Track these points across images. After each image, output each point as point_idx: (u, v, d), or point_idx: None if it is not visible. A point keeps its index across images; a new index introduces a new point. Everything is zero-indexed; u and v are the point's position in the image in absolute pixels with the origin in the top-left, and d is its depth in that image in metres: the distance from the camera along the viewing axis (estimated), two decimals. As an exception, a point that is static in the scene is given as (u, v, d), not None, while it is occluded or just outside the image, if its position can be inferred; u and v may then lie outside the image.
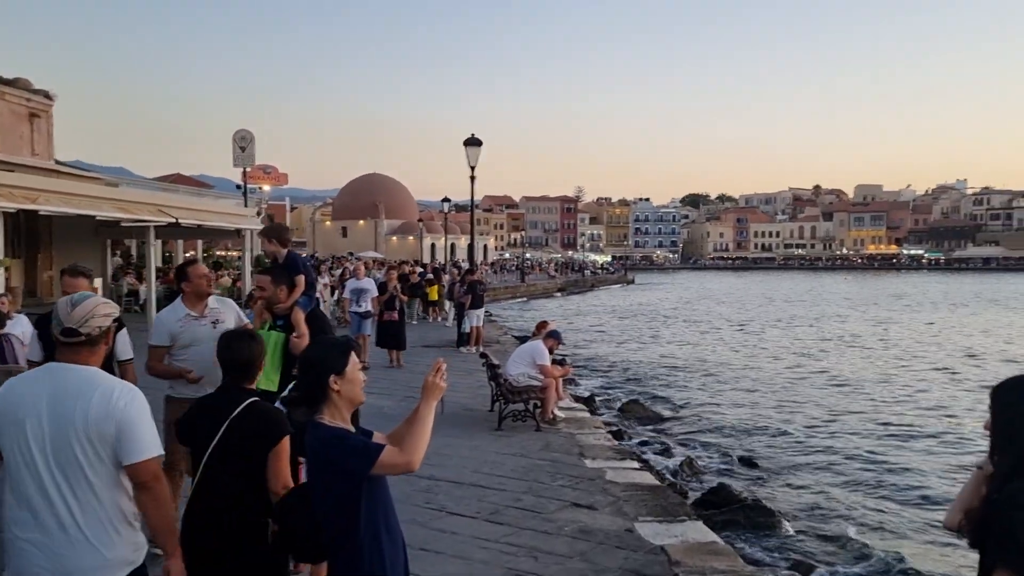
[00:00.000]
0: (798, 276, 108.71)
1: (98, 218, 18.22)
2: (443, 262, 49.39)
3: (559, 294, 62.62)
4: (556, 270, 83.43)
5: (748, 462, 11.73)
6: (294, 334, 5.38)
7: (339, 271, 28.00)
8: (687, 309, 47.77)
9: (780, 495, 10.13)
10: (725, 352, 26.08)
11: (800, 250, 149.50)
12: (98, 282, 13.49)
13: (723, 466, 11.55)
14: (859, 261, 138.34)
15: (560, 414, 10.75)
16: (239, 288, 26.34)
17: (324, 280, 19.91)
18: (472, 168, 18.95)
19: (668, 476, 10.07)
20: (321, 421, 2.92)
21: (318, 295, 18.34)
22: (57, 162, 27.37)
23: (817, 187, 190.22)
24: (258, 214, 29.15)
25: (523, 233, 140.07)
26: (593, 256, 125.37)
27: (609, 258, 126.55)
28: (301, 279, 5.72)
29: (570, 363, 16.00)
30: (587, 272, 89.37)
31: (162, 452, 2.86)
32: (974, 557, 2.53)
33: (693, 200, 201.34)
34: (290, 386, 3.54)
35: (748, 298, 59.38)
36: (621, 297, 60.75)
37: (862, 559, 8.04)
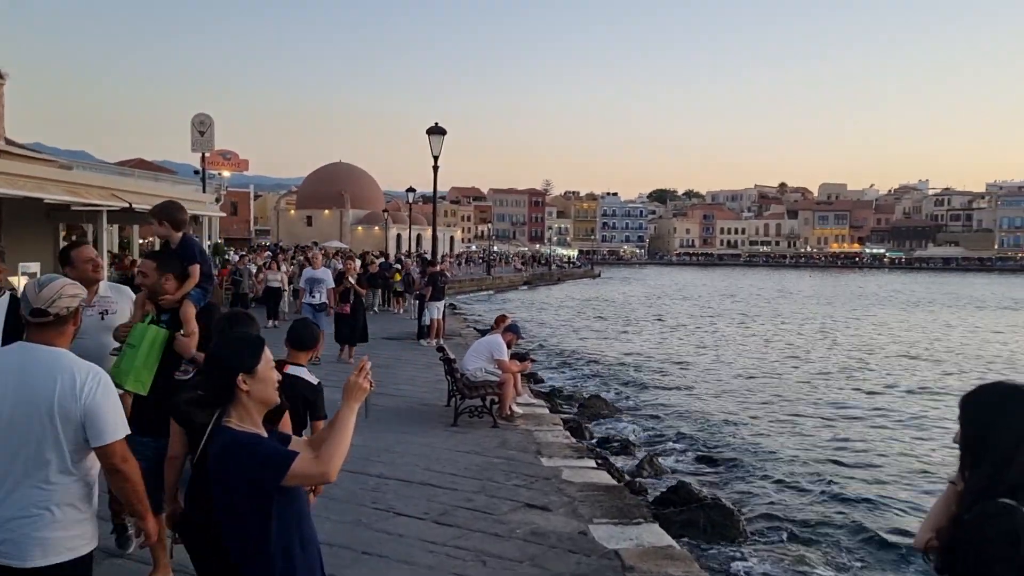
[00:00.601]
0: (763, 273, 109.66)
1: (46, 201, 17.56)
2: (408, 253, 48.90)
3: (525, 287, 62.69)
4: (523, 263, 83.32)
5: (710, 459, 11.62)
6: (180, 332, 4.62)
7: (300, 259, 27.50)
8: (654, 304, 47.84)
9: (741, 494, 10.00)
10: (690, 348, 26.05)
11: (765, 247, 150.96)
12: (35, 267, 12.98)
13: (684, 464, 11.41)
14: (823, 259, 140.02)
15: (518, 410, 10.51)
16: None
17: (284, 269, 19.42)
18: (435, 157, 18.57)
19: (627, 475, 9.88)
20: (227, 425, 2.65)
21: (278, 284, 18.01)
22: (8, 142, 26.47)
23: (783, 185, 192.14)
24: (217, 200, 28.49)
25: (490, 226, 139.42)
26: (560, 250, 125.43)
27: (576, 252, 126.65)
28: (196, 269, 4.86)
29: (531, 357, 15.75)
30: (554, 266, 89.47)
31: (128, 432, 2.93)
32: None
33: (660, 196, 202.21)
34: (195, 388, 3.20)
35: (713, 294, 59.71)
36: (586, 291, 60.73)
37: (821, 565, 7.90)
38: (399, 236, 70.16)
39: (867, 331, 33.03)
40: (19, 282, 9.53)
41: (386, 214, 72.29)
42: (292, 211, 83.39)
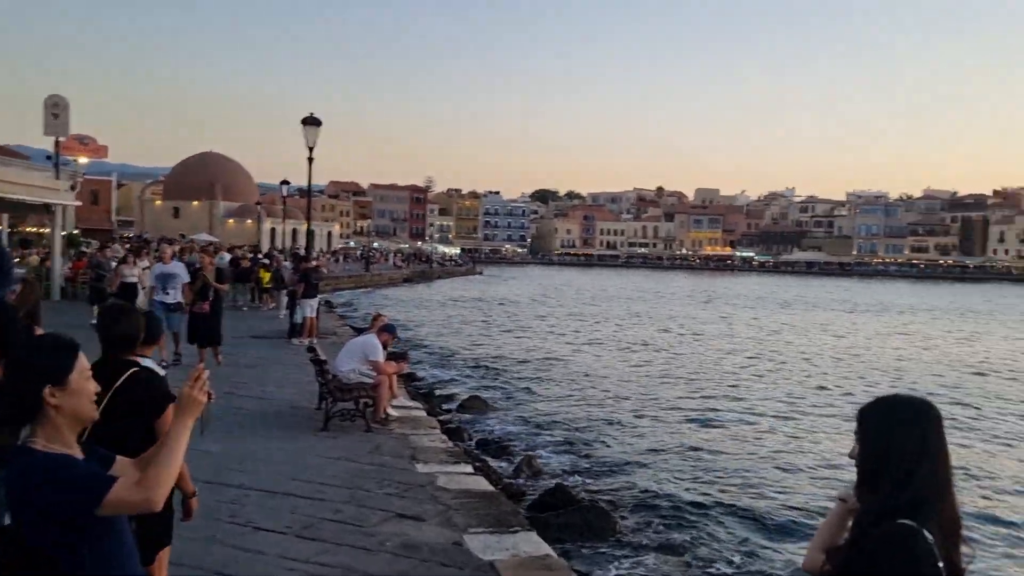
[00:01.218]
0: (641, 274, 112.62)
1: None
2: (280, 248, 47.34)
3: (405, 284, 61.99)
4: (403, 260, 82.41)
5: (588, 459, 11.55)
6: None
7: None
8: (536, 303, 48.13)
9: (619, 495, 9.92)
10: (570, 347, 26.20)
11: (643, 249, 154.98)
12: None
13: (563, 464, 11.28)
14: (697, 261, 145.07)
15: (394, 413, 10.13)
16: (48, 268, 24.13)
17: (144, 264, 18.17)
18: (310, 149, 17.88)
19: (505, 478, 9.67)
20: (31, 446, 2.20)
21: (135, 280, 16.78)
22: None
23: (660, 189, 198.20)
24: (73, 188, 26.57)
25: (370, 222, 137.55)
26: (442, 248, 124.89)
27: (459, 250, 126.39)
28: None
29: (408, 357, 15.35)
30: (435, 264, 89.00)
31: None
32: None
33: (542, 196, 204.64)
34: None
35: (594, 293, 60.73)
36: (468, 289, 60.60)
37: (698, 559, 7.90)
38: (273, 230, 67.80)
39: (741, 331, 34.26)
40: None
41: (260, 207, 69.88)
42: (158, 202, 79.31)
